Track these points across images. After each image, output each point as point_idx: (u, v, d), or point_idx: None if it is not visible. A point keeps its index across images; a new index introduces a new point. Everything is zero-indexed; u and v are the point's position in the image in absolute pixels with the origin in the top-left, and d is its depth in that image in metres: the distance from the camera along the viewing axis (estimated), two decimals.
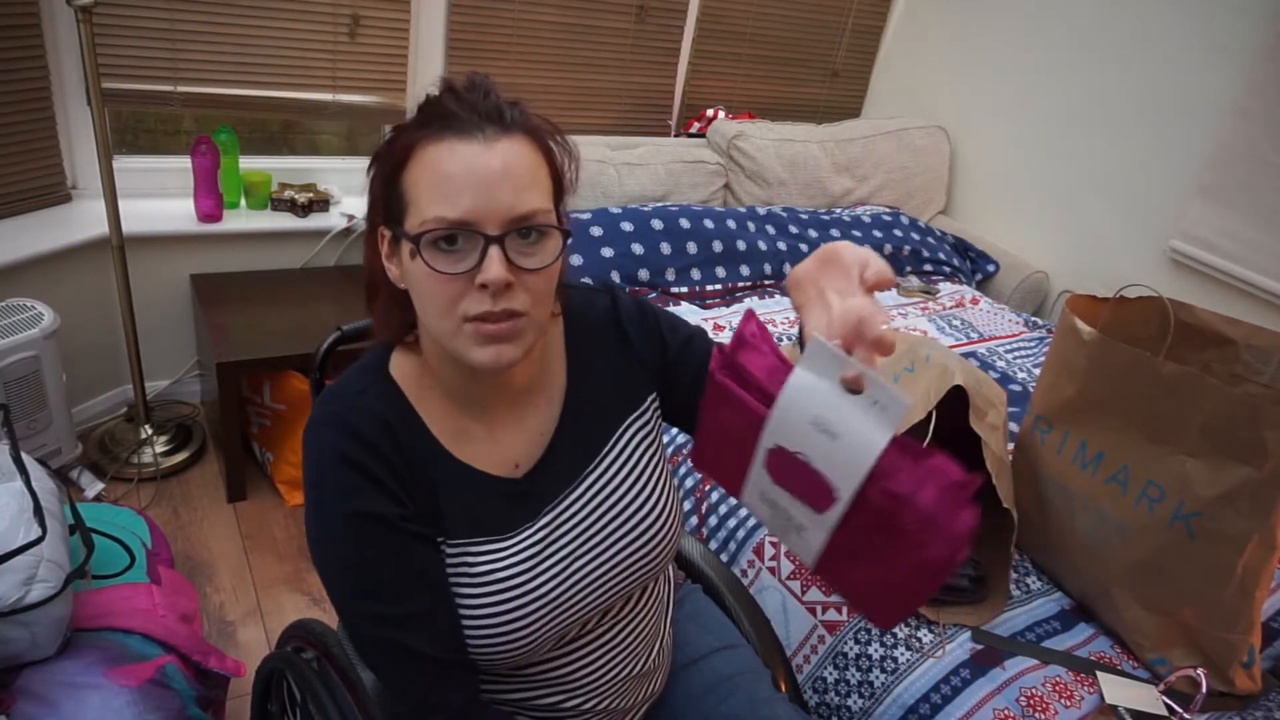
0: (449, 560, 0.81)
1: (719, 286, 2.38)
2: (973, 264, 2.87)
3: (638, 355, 0.92)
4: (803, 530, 0.72)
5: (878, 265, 0.68)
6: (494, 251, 0.71)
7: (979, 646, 1.28)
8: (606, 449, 0.89)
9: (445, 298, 0.72)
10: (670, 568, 1.07)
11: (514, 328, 0.74)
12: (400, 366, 0.83)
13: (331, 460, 0.77)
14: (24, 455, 1.26)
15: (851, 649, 1.32)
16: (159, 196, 2.26)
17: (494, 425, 0.85)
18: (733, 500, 1.59)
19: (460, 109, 0.72)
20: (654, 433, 0.94)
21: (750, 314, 0.73)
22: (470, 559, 0.81)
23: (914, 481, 0.65)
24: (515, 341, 0.75)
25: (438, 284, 0.72)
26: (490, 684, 0.89)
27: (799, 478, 0.69)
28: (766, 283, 2.46)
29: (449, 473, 0.81)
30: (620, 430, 0.90)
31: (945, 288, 2.67)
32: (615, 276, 2.25)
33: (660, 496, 0.91)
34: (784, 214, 2.62)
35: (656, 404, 0.94)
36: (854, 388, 0.63)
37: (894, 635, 1.29)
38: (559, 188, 0.79)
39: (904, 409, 0.62)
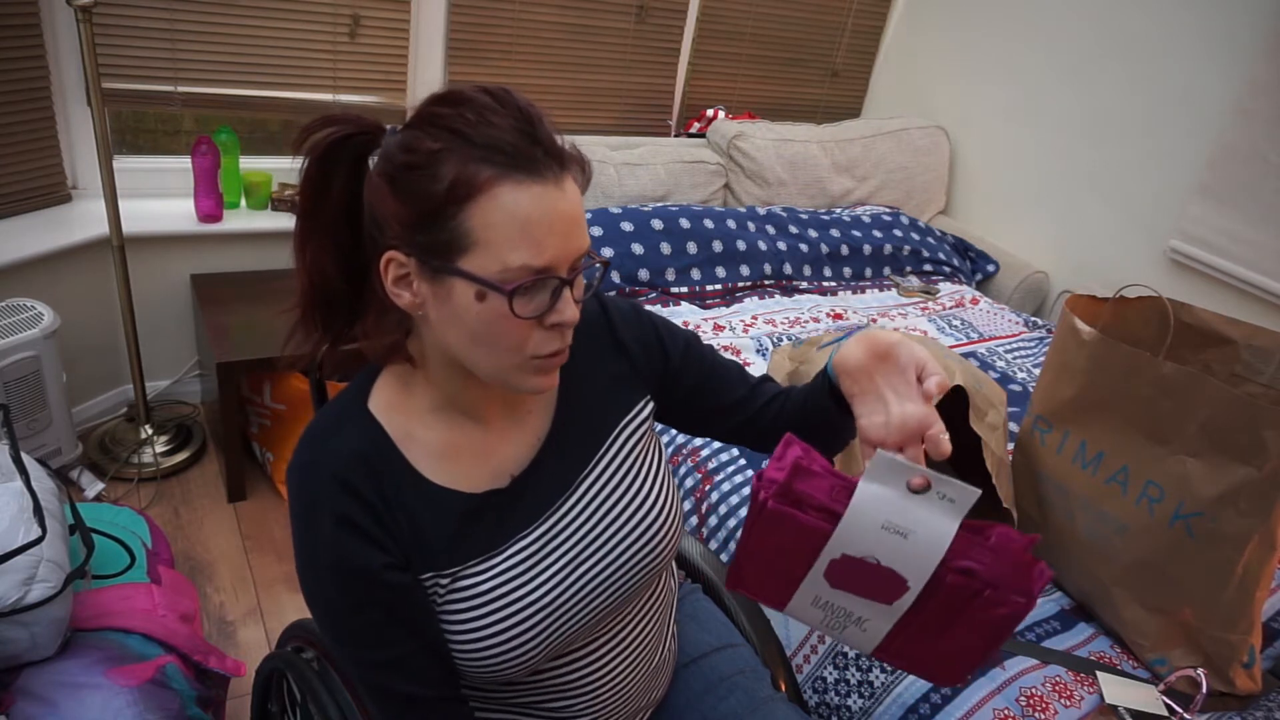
0: (445, 590, 0.80)
1: (719, 286, 2.38)
2: (973, 264, 2.87)
3: (633, 360, 0.92)
4: (864, 622, 0.75)
5: (938, 375, 0.72)
6: (567, 292, 0.72)
7: None
8: (602, 452, 0.89)
9: (516, 339, 0.72)
10: (674, 573, 1.07)
11: (563, 356, 0.77)
12: (383, 392, 0.82)
13: (316, 513, 0.76)
14: (24, 455, 1.26)
15: (851, 649, 1.32)
16: (159, 196, 2.26)
17: (489, 433, 0.84)
18: (733, 500, 1.59)
19: (522, 142, 0.69)
20: (649, 434, 0.94)
21: (791, 438, 0.74)
22: (464, 582, 0.80)
23: (983, 555, 0.70)
24: (560, 366, 0.78)
25: (511, 326, 0.71)
26: (498, 690, 0.89)
27: (865, 578, 0.72)
28: (766, 283, 2.46)
29: (433, 503, 0.80)
30: (615, 433, 0.90)
31: (945, 288, 2.67)
32: (615, 277, 2.25)
33: (660, 496, 0.90)
34: (784, 214, 2.62)
35: (651, 406, 0.94)
36: (919, 488, 0.68)
37: None
38: None
39: (974, 498, 0.67)
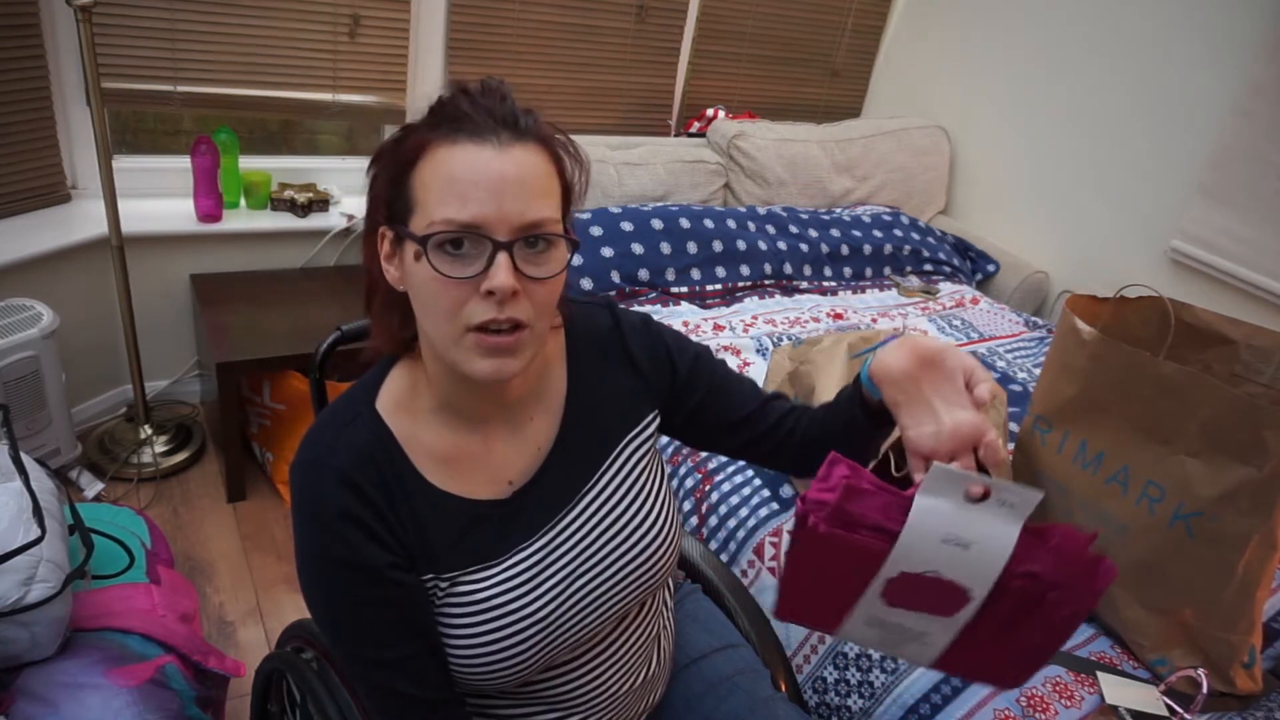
0: (443, 593, 0.80)
1: (719, 286, 2.38)
2: (973, 264, 2.87)
3: (642, 373, 0.92)
4: (924, 636, 0.73)
5: (988, 382, 0.71)
6: (502, 258, 0.69)
7: None
8: (606, 466, 0.88)
9: (449, 303, 0.71)
10: (671, 587, 1.07)
11: (517, 340, 0.72)
12: (390, 392, 0.81)
13: (321, 509, 0.76)
14: (23, 455, 1.26)
15: (851, 649, 1.32)
16: (159, 196, 2.26)
17: (490, 439, 0.83)
18: (733, 500, 1.59)
19: (475, 112, 0.71)
20: (653, 450, 0.94)
21: (836, 457, 0.70)
22: (463, 588, 0.80)
23: (1046, 558, 0.67)
24: (517, 354, 0.73)
25: (442, 288, 0.70)
26: (488, 701, 0.89)
27: (925, 593, 0.70)
28: (766, 282, 2.46)
29: (436, 507, 0.80)
30: (620, 447, 0.90)
31: (945, 288, 2.67)
32: (615, 276, 2.25)
33: (661, 513, 0.90)
34: (784, 214, 2.62)
35: (656, 421, 0.94)
36: (978, 497, 0.66)
37: None
38: (567, 198, 0.78)
39: (1035, 501, 0.64)
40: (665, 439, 1.78)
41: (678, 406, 0.95)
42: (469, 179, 0.69)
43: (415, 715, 0.81)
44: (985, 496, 0.65)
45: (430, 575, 0.79)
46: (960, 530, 0.66)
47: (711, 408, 0.95)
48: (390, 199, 0.74)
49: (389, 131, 0.76)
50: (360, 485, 0.76)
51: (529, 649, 0.81)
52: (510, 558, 0.82)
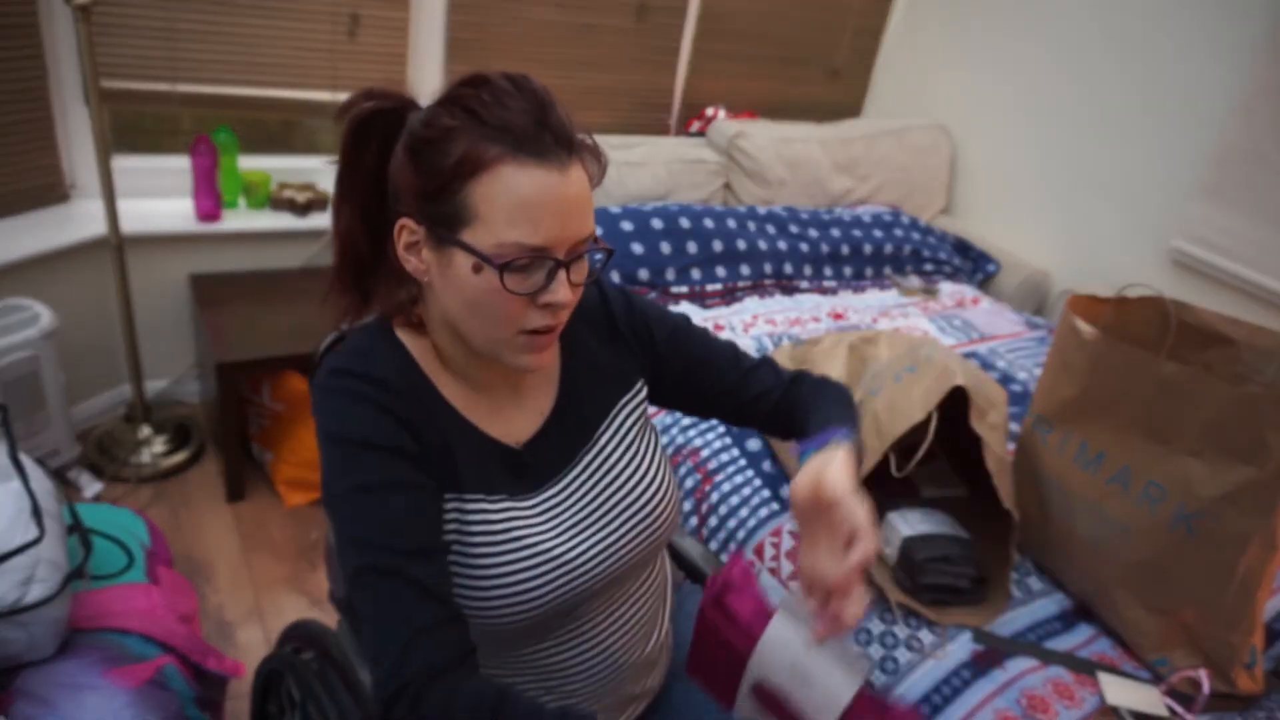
0: (465, 516, 0.82)
1: (719, 286, 2.38)
2: (974, 264, 2.86)
3: (627, 345, 0.96)
4: None
5: (866, 546, 0.75)
6: (562, 274, 0.75)
7: (980, 647, 1.27)
8: (603, 428, 0.92)
9: (508, 312, 0.75)
10: (667, 563, 1.07)
11: (554, 335, 0.80)
12: (403, 336, 0.85)
13: (349, 398, 0.78)
14: (22, 456, 1.25)
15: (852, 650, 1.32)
16: (157, 196, 2.25)
17: (496, 403, 0.88)
18: (733, 500, 1.59)
19: (531, 125, 0.72)
20: (644, 414, 0.98)
21: (736, 558, 0.80)
22: (489, 514, 0.82)
23: None
24: (553, 345, 0.82)
25: (502, 300, 0.74)
26: (484, 668, 0.89)
27: (783, 712, 0.75)
28: (766, 282, 2.46)
29: (462, 432, 0.83)
30: (615, 410, 0.94)
31: (946, 287, 2.67)
32: (615, 276, 2.24)
33: (658, 474, 0.94)
34: (784, 213, 2.62)
35: (644, 390, 0.98)
36: (819, 642, 0.72)
37: (895, 636, 1.29)
38: None
39: (868, 668, 0.73)
40: (663, 432, 1.77)
41: (661, 377, 0.99)
42: (541, 206, 0.72)
43: (420, 618, 0.73)
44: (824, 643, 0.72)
45: (452, 495, 0.81)
46: (804, 666, 0.72)
47: (692, 379, 1.00)
48: (427, 197, 0.74)
49: (427, 115, 0.75)
50: (391, 384, 0.79)
51: (546, 586, 0.83)
52: (533, 496, 0.86)
